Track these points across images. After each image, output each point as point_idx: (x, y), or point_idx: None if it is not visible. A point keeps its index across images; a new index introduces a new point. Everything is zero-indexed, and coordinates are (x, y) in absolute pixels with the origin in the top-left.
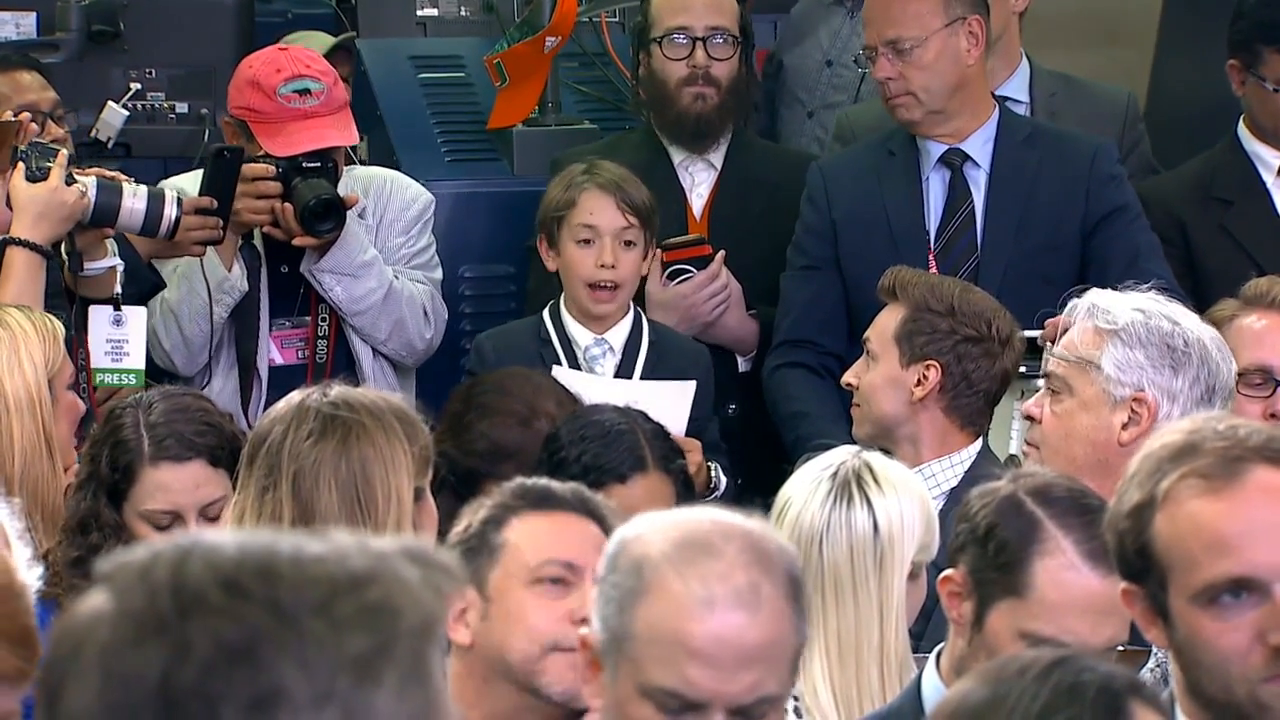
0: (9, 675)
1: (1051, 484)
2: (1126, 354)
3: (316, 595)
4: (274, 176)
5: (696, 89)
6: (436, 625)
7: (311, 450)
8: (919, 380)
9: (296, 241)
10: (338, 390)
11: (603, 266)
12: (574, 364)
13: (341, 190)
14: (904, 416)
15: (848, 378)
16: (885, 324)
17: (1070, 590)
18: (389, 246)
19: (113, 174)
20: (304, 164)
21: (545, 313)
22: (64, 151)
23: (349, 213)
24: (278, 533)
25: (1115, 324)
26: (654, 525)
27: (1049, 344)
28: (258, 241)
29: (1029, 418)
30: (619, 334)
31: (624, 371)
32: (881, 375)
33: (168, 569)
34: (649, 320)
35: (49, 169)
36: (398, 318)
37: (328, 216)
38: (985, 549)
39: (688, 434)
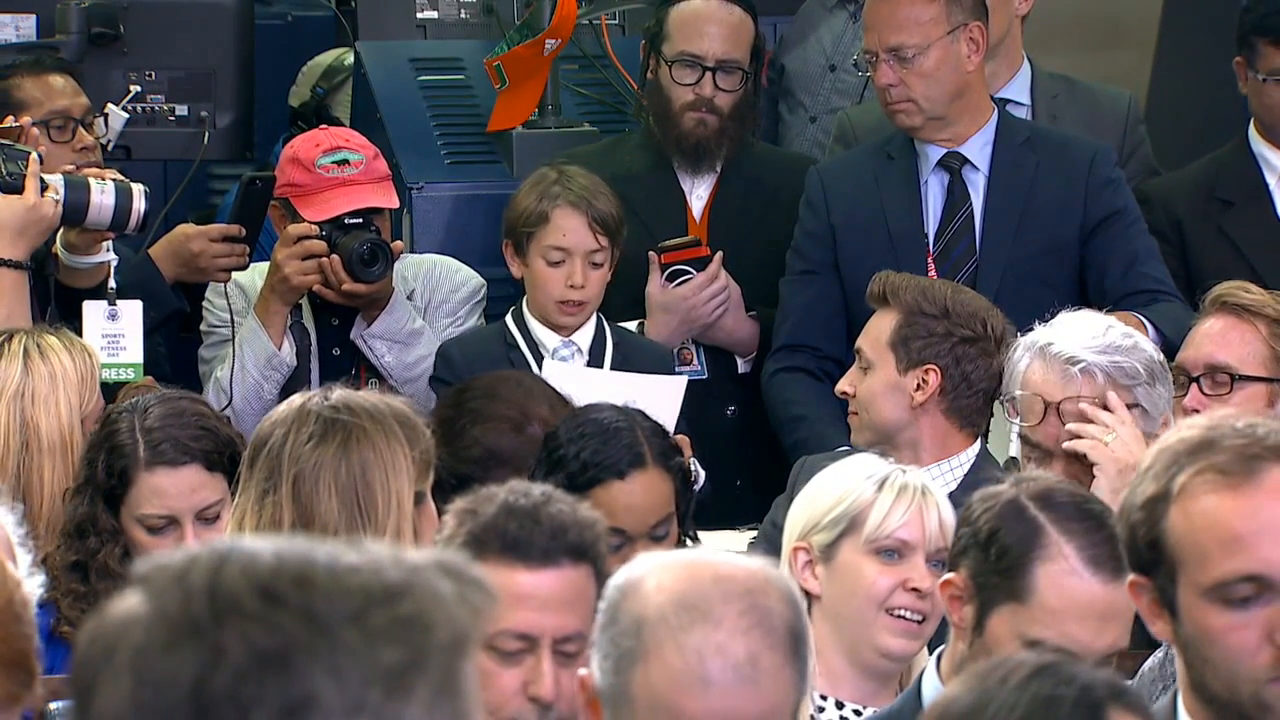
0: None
1: (1054, 489)
2: (1151, 392)
3: (351, 605)
4: (318, 236)
5: (699, 115)
6: (469, 640)
7: (312, 453)
8: (918, 385)
9: (346, 288)
10: (339, 394)
11: (572, 286)
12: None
13: (394, 280)
14: (905, 422)
15: (842, 386)
16: (878, 331)
17: (1071, 596)
18: (437, 327)
19: (79, 170)
20: (346, 221)
21: (509, 317)
22: (34, 155)
23: (397, 287)
24: (315, 541)
25: (1137, 376)
26: (656, 577)
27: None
28: (307, 321)
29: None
30: (584, 336)
31: None
32: (880, 382)
33: (204, 573)
34: (609, 323)
35: (21, 176)
36: None
37: (375, 260)
38: (987, 553)
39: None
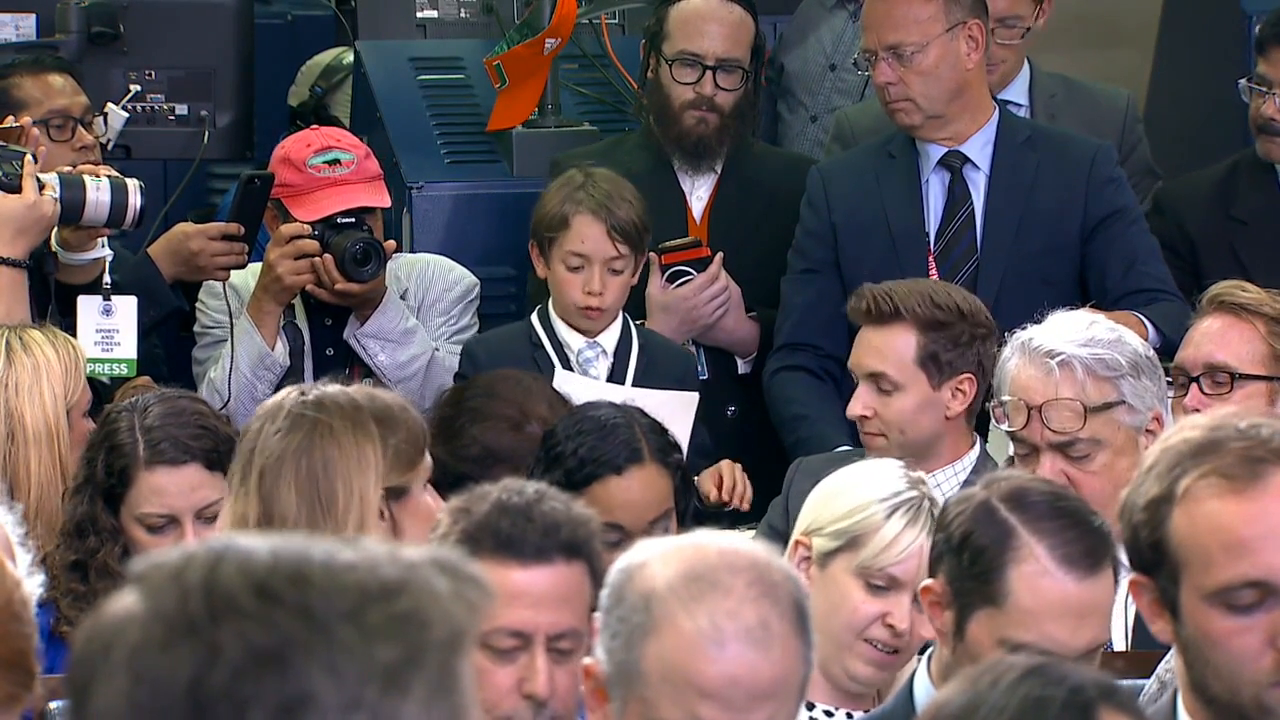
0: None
1: (1026, 488)
2: (1136, 385)
3: (347, 603)
4: (310, 235)
5: (699, 114)
6: (465, 638)
7: (276, 447)
8: (954, 395)
9: (339, 287)
10: (318, 389)
11: (589, 293)
12: (567, 367)
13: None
14: (939, 432)
15: (859, 412)
16: (901, 352)
17: (1046, 596)
18: (430, 326)
19: (72, 168)
20: (338, 220)
21: (534, 316)
22: (28, 156)
23: (390, 286)
24: (311, 538)
25: (1119, 368)
26: (660, 555)
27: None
28: (301, 321)
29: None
30: (610, 337)
31: (617, 373)
32: (913, 401)
33: (200, 571)
34: (635, 324)
35: (18, 177)
36: (440, 385)
37: (368, 260)
38: (960, 558)
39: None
